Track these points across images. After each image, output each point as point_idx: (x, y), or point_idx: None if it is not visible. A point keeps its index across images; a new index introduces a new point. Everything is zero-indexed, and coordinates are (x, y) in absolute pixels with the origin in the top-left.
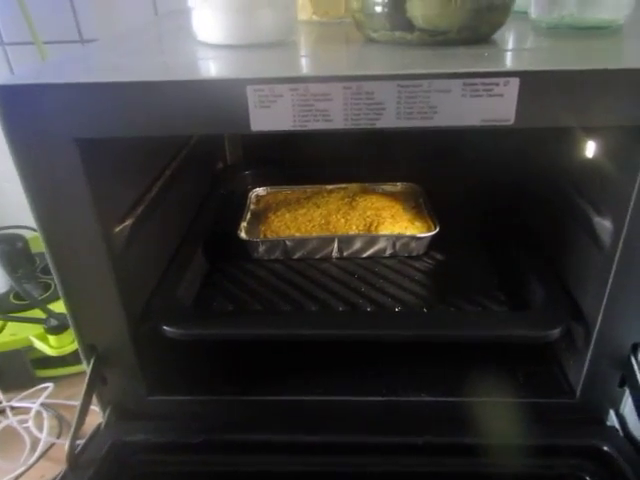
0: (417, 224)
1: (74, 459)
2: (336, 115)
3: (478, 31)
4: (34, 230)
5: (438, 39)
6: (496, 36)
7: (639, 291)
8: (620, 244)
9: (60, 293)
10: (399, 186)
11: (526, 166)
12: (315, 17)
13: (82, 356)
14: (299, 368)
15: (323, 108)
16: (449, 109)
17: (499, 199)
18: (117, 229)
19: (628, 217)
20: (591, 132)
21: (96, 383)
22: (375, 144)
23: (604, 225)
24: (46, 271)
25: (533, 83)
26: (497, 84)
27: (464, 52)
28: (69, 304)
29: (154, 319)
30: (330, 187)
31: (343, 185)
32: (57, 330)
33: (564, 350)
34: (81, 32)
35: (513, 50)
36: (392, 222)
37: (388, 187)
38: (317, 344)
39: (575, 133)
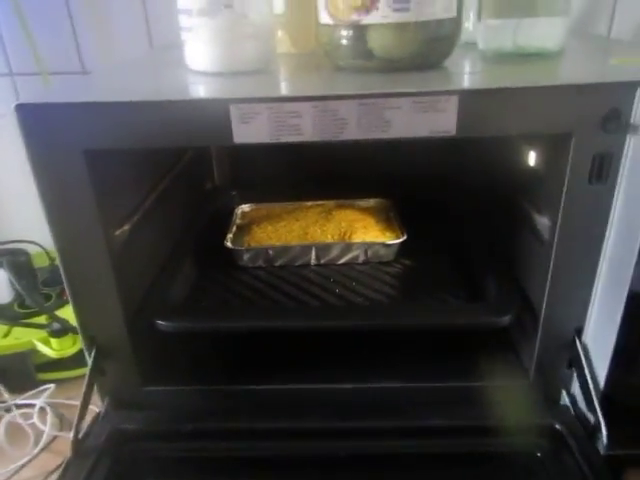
0: (387, 234)
1: (79, 444)
2: (306, 129)
3: (428, 59)
4: (37, 244)
5: (394, 66)
6: (447, 62)
7: (576, 279)
8: (556, 238)
9: (66, 289)
10: (371, 202)
11: (483, 176)
12: (292, 49)
13: (84, 347)
14: (279, 360)
15: (295, 123)
16: (401, 123)
17: (462, 207)
18: (117, 232)
19: (560, 213)
20: (527, 141)
21: (96, 374)
22: (350, 164)
23: (543, 222)
24: (46, 283)
25: (469, 100)
26: (440, 101)
27: (415, 76)
28: (74, 298)
29: (148, 314)
30: (309, 203)
31: (320, 202)
32: (59, 333)
33: (518, 337)
34: (83, 63)
35: (457, 74)
36: (364, 232)
37: (362, 203)
38: (297, 338)
39: (515, 143)
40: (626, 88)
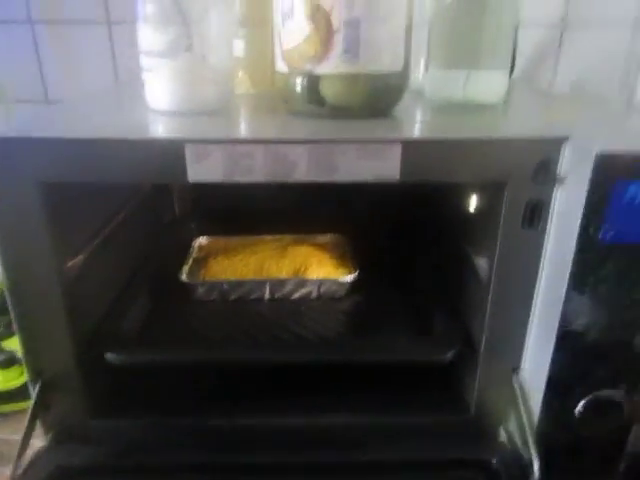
0: (341, 270)
1: None
2: (258, 170)
3: (376, 107)
4: None
5: (344, 113)
6: (396, 110)
7: (513, 317)
8: (493, 278)
9: (13, 320)
10: (327, 237)
11: (430, 216)
12: (250, 90)
13: (29, 380)
14: (229, 394)
15: (247, 164)
16: (347, 167)
17: (412, 245)
18: (70, 263)
19: (496, 255)
20: (467, 187)
21: (41, 407)
22: (307, 200)
23: (482, 263)
24: None
25: (412, 149)
26: (383, 149)
27: (364, 123)
28: (20, 329)
29: (99, 347)
30: (266, 237)
31: (278, 236)
32: (5, 365)
33: (461, 373)
34: (47, 93)
35: (403, 122)
36: (318, 268)
37: (318, 238)
38: (246, 373)
39: (456, 187)
40: (554, 143)
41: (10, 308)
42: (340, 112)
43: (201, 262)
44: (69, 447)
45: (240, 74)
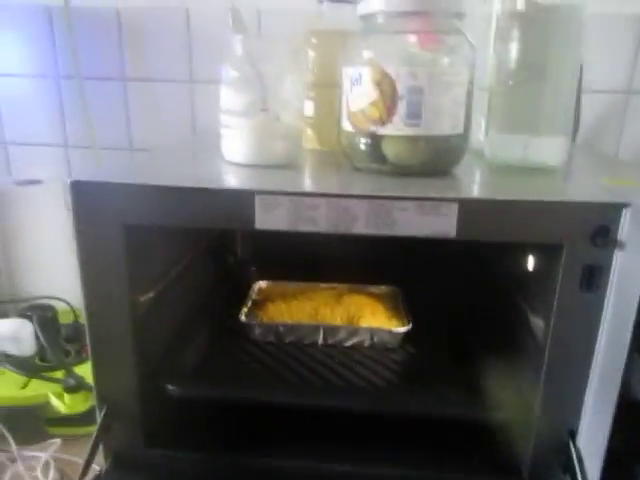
0: (394, 321)
1: None
2: (321, 222)
3: (436, 167)
4: (64, 301)
5: (405, 171)
6: (456, 169)
7: (570, 381)
8: (549, 339)
9: (89, 347)
10: (382, 289)
11: (485, 271)
12: (318, 146)
13: (97, 405)
14: (280, 435)
15: (311, 215)
16: (406, 223)
17: (466, 299)
18: (142, 298)
19: (553, 316)
20: (524, 245)
21: (104, 432)
22: (366, 252)
23: (537, 322)
24: (68, 339)
25: (469, 208)
26: (441, 207)
27: (424, 182)
28: (94, 356)
29: (160, 378)
30: (322, 285)
31: (334, 284)
32: (73, 390)
33: (514, 434)
34: (132, 141)
35: (462, 181)
36: (372, 318)
37: (372, 289)
38: (296, 414)
39: (513, 245)
40: (614, 208)
41: (87, 335)
42: (401, 170)
43: (260, 304)
44: (126, 474)
45: (309, 132)
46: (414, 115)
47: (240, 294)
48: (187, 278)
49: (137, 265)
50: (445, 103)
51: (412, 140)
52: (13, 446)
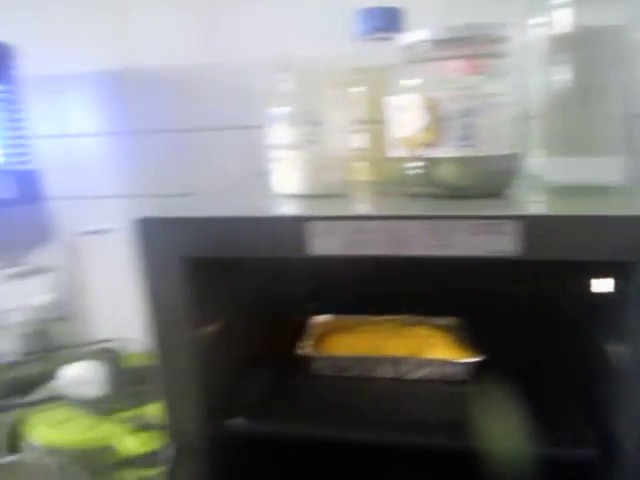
0: (459, 353)
1: None
2: (376, 246)
3: (490, 189)
4: (129, 342)
5: (458, 194)
6: (509, 192)
7: None
8: (627, 366)
9: (162, 386)
10: (444, 320)
11: (557, 299)
12: (370, 177)
13: (170, 445)
14: (341, 472)
15: (364, 239)
16: (461, 243)
17: (534, 328)
18: (203, 333)
19: (628, 343)
20: (593, 266)
21: (175, 473)
22: (424, 282)
23: (615, 350)
24: (133, 382)
25: (533, 224)
26: (498, 225)
27: (478, 203)
28: (167, 395)
29: (224, 415)
30: (382, 318)
31: (393, 317)
32: (139, 431)
33: (599, 474)
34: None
35: (519, 202)
36: (435, 350)
37: (434, 320)
38: (360, 450)
39: (581, 266)
40: None
41: (161, 375)
42: (454, 192)
43: (318, 339)
44: None
45: (358, 164)
46: (465, 138)
47: (298, 329)
48: (245, 314)
49: (198, 299)
50: (497, 124)
51: (465, 162)
52: None
